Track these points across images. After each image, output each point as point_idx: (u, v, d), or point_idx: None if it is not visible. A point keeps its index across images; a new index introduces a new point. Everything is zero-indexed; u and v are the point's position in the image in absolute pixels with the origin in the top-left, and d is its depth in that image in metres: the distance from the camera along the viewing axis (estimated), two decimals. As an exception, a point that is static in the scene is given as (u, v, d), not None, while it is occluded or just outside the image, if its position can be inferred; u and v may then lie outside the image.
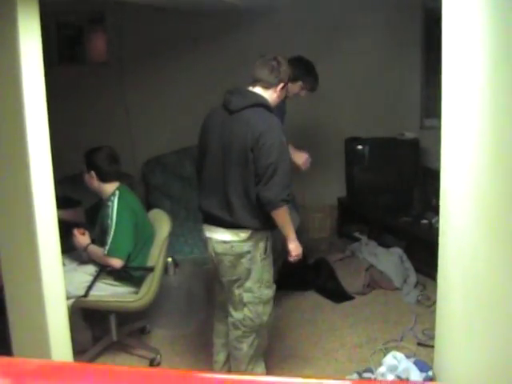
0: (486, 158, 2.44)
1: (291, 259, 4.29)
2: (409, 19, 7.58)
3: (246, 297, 4.19)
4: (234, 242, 4.07)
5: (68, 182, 6.37)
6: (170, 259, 5.37)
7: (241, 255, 4.09)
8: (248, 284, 4.17)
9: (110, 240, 4.64)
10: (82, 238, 4.84)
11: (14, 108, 3.37)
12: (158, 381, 1.34)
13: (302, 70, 5.42)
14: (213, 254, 4.20)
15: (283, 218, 4.08)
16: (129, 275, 4.80)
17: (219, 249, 4.13)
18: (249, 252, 4.10)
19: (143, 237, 4.86)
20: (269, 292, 4.26)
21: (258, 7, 7.52)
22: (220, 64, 8.06)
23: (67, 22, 9.04)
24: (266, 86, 4.15)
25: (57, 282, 3.69)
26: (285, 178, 3.96)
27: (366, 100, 7.99)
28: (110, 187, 4.85)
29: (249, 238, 4.07)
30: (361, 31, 7.82)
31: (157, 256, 4.84)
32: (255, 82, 4.15)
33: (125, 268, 4.71)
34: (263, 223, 4.08)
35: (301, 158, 4.23)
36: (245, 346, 4.30)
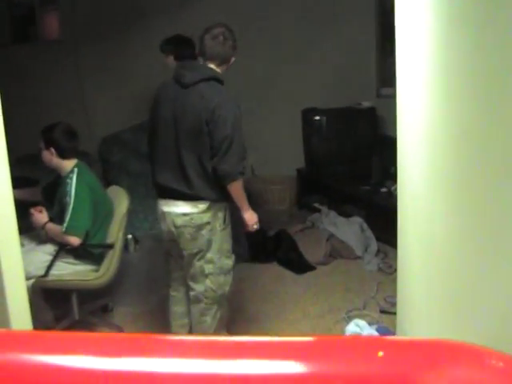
0: (440, 124, 2.45)
1: (249, 229, 4.32)
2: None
3: (207, 268, 4.22)
4: (194, 213, 4.09)
5: (24, 161, 6.30)
6: (130, 236, 5.35)
7: (200, 226, 4.11)
8: (209, 255, 4.19)
9: (68, 217, 4.59)
10: (40, 216, 4.78)
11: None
12: (122, 345, 1.33)
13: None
14: (172, 228, 4.17)
15: (238, 190, 4.14)
16: (88, 253, 4.76)
17: (179, 222, 4.12)
18: (208, 223, 4.12)
19: (102, 214, 4.81)
20: (229, 262, 4.32)
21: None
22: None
23: (19, 0, 8.93)
24: (219, 63, 4.15)
25: (15, 263, 3.64)
26: (240, 151, 4.02)
27: (321, 70, 8.00)
28: (69, 164, 4.80)
29: (208, 209, 4.09)
30: (315, 1, 7.81)
31: (116, 233, 4.81)
32: (208, 59, 4.12)
33: (84, 245, 4.67)
34: (221, 194, 4.11)
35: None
36: (208, 319, 4.33)
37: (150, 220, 7.01)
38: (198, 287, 4.28)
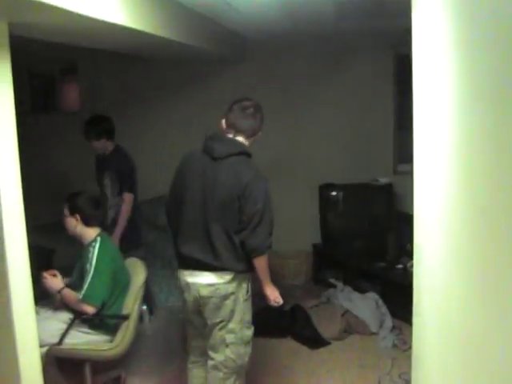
0: (458, 203, 2.46)
1: (271, 303, 4.37)
2: (382, 65, 7.70)
3: (229, 338, 4.25)
4: (219, 284, 4.15)
5: (39, 231, 6.34)
6: (144, 307, 5.34)
7: (225, 297, 4.17)
8: (231, 325, 4.23)
9: (86, 285, 4.60)
10: (54, 281, 4.79)
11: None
12: None
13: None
14: (197, 298, 4.22)
15: (264, 264, 4.22)
16: (103, 323, 4.76)
17: (204, 292, 4.17)
18: (233, 293, 4.18)
19: (120, 285, 4.83)
20: (249, 333, 4.36)
21: (233, 55, 7.60)
22: (192, 113, 8.13)
23: (39, 71, 9.08)
24: (248, 136, 4.29)
25: (30, 330, 3.65)
26: (269, 226, 4.14)
27: (339, 146, 8.06)
28: (93, 232, 4.85)
29: (232, 280, 4.16)
30: (334, 79, 7.92)
31: (132, 304, 4.81)
32: (237, 131, 4.25)
33: (99, 316, 4.67)
34: (246, 265, 4.19)
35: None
36: None
37: (164, 292, 7.01)
38: (218, 356, 4.29)
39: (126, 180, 6.18)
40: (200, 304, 4.24)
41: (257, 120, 4.29)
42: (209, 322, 4.26)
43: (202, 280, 4.18)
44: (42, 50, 7.23)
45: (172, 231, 4.43)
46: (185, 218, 4.24)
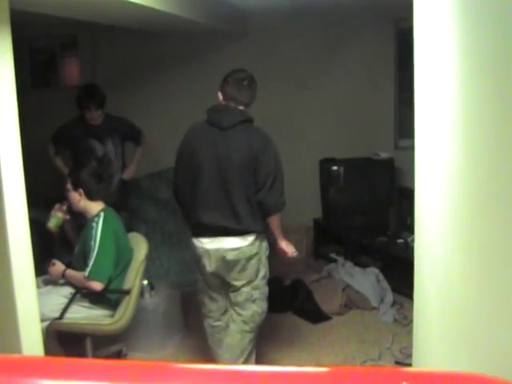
0: (459, 177, 2.46)
1: (290, 255, 4.73)
2: (382, 39, 7.65)
3: (255, 294, 4.62)
4: (244, 246, 4.45)
5: (40, 206, 6.33)
6: (145, 282, 5.34)
7: (250, 257, 4.49)
8: (256, 282, 4.60)
9: (91, 262, 4.61)
10: (55, 268, 4.81)
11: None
12: (142, 373, 1.33)
13: None
14: (221, 263, 4.49)
15: (278, 221, 4.62)
16: (105, 298, 4.76)
17: (230, 256, 4.45)
18: (257, 253, 4.53)
19: (123, 260, 4.84)
20: (267, 288, 4.76)
21: (230, 30, 7.57)
22: (192, 87, 8.10)
23: (40, 46, 9.04)
24: (245, 106, 4.54)
25: (31, 304, 3.65)
26: (282, 184, 4.51)
27: (340, 121, 8.04)
28: (96, 207, 4.85)
29: (255, 240, 4.49)
30: (334, 53, 7.88)
31: (133, 279, 4.82)
32: (237, 102, 4.50)
33: (103, 291, 4.68)
34: (264, 225, 4.55)
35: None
36: (247, 341, 4.69)
37: (165, 267, 7.02)
38: (246, 312, 4.64)
39: (135, 134, 6.70)
40: (225, 268, 4.50)
41: (253, 90, 4.56)
42: (236, 283, 4.56)
43: (228, 245, 4.45)
44: (42, 25, 7.19)
45: (183, 206, 4.67)
46: (202, 189, 4.45)
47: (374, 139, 7.85)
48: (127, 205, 6.81)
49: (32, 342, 3.67)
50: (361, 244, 7.29)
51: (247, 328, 4.66)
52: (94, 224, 4.73)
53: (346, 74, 7.93)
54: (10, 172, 3.41)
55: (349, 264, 6.87)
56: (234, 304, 4.66)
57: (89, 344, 4.84)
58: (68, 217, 5.03)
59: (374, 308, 6.25)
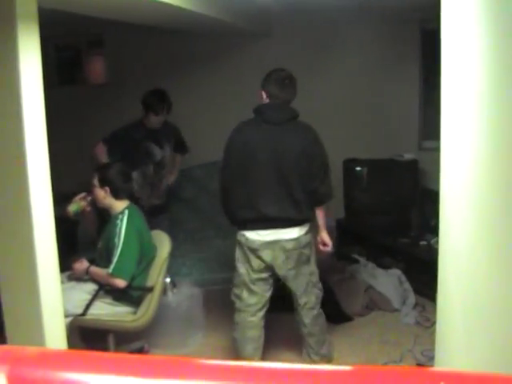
0: (486, 180, 2.45)
1: (328, 249, 5.05)
2: (407, 40, 7.64)
3: (313, 278, 4.93)
4: (301, 236, 4.70)
5: (65, 201, 6.37)
6: (168, 280, 5.36)
7: (305, 246, 4.76)
8: (311, 268, 4.90)
9: (115, 259, 4.63)
10: (81, 265, 4.84)
11: (14, 127, 3.38)
12: (161, 368, 1.34)
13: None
14: (278, 254, 4.68)
15: (324, 210, 4.90)
16: (128, 295, 4.79)
17: (289, 246, 4.67)
18: (309, 241, 4.82)
19: (147, 258, 4.86)
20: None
21: (255, 29, 7.58)
22: (218, 86, 8.12)
23: (66, 44, 9.10)
24: (289, 102, 4.78)
25: (55, 300, 3.68)
26: (330, 175, 4.84)
27: (364, 121, 8.03)
28: (121, 205, 4.88)
29: (309, 230, 4.79)
30: (359, 52, 7.88)
31: (156, 276, 4.84)
32: (282, 100, 4.73)
33: (126, 288, 4.71)
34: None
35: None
36: (321, 321, 5.05)
37: (188, 265, 7.04)
38: (310, 297, 4.92)
39: (183, 144, 6.88)
40: (284, 258, 4.70)
41: (294, 88, 4.79)
42: (293, 272, 4.77)
43: (287, 235, 4.65)
44: (68, 23, 7.23)
45: (232, 201, 4.76)
46: (261, 183, 4.63)
47: (397, 140, 7.84)
48: (169, 208, 6.92)
49: (55, 337, 3.69)
50: (383, 245, 7.26)
51: (315, 312, 4.96)
52: (119, 221, 4.75)
53: (369, 75, 7.91)
54: (36, 168, 3.43)
55: (371, 265, 6.86)
56: (297, 294, 4.89)
57: (111, 340, 4.87)
58: (89, 208, 5.05)
59: (396, 310, 6.23)
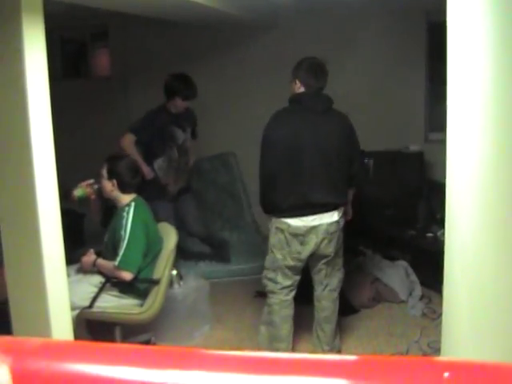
0: (492, 172, 2.45)
1: (346, 218, 5.14)
2: (413, 31, 7.62)
3: (339, 262, 5.10)
4: (339, 218, 4.88)
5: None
6: (174, 272, 5.37)
7: (341, 228, 4.93)
8: (340, 251, 5.06)
9: (121, 252, 4.64)
10: (88, 258, 4.85)
11: (20, 120, 3.39)
12: (165, 358, 1.34)
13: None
14: (323, 237, 4.77)
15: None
16: (134, 287, 4.79)
17: (332, 228, 4.81)
18: (343, 224, 4.97)
19: (153, 250, 4.87)
20: None
21: (261, 21, 7.57)
22: (223, 78, 8.11)
23: (71, 37, 9.10)
24: (322, 90, 4.87)
25: (61, 293, 3.69)
26: None
27: (370, 113, 8.01)
28: (127, 198, 4.88)
29: (343, 213, 4.96)
30: (364, 44, 7.85)
31: (163, 269, 4.84)
32: (316, 88, 4.82)
33: (132, 280, 4.71)
34: None
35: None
36: (337, 305, 5.17)
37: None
38: (334, 281, 5.08)
39: (195, 127, 6.92)
40: (327, 241, 4.81)
41: (327, 76, 4.90)
42: (332, 254, 4.90)
43: (329, 219, 4.77)
44: (73, 16, 7.23)
45: (273, 188, 4.75)
46: (306, 170, 4.68)
47: (404, 132, 7.82)
48: (192, 188, 7.16)
49: (62, 330, 3.71)
50: (390, 237, 7.25)
51: (335, 295, 5.09)
52: (125, 214, 4.75)
53: (375, 67, 7.89)
54: (41, 161, 3.44)
55: (377, 257, 6.86)
56: (322, 277, 5.02)
57: (118, 333, 4.88)
58: (94, 197, 5.05)
59: (402, 301, 6.24)
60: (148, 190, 5.79)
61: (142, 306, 4.81)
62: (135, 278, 4.73)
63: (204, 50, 8.27)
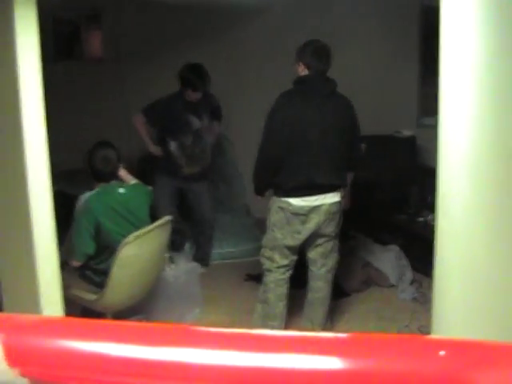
0: (483, 156, 2.46)
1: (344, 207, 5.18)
2: (406, 16, 7.59)
3: (336, 243, 5.16)
4: (340, 199, 4.97)
5: (63, 176, 6.38)
6: (167, 255, 5.37)
7: (340, 209, 5.01)
8: (338, 232, 5.11)
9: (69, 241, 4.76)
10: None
11: (11, 104, 3.38)
12: (159, 335, 1.35)
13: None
14: (324, 217, 4.86)
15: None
16: (89, 278, 4.88)
17: (334, 209, 4.91)
18: (342, 204, 5.03)
19: (113, 241, 4.73)
20: None
21: (256, 4, 7.55)
22: (217, 59, 8.08)
23: (64, 18, 9.04)
24: (326, 73, 4.84)
25: (53, 274, 3.69)
26: None
27: (362, 97, 7.99)
28: (97, 185, 4.86)
29: (343, 194, 5.03)
30: (357, 29, 7.84)
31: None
32: (320, 71, 4.79)
33: (87, 267, 4.83)
34: None
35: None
36: (331, 286, 5.23)
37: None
38: (330, 261, 5.14)
39: (219, 111, 7.00)
40: (328, 221, 4.91)
41: (331, 58, 4.85)
42: (332, 234, 5.02)
43: (332, 200, 4.86)
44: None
45: (276, 169, 4.80)
46: (310, 151, 4.74)
47: (396, 117, 7.81)
48: (207, 175, 7.16)
49: (53, 311, 3.71)
50: (381, 221, 7.28)
51: (330, 277, 5.16)
52: (78, 202, 4.83)
53: (367, 51, 7.88)
54: (33, 143, 3.43)
55: (369, 241, 6.87)
56: (318, 257, 5.09)
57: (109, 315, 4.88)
58: None
59: (393, 285, 6.26)
60: (160, 164, 6.65)
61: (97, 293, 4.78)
62: (89, 268, 4.82)
63: (198, 33, 8.23)
